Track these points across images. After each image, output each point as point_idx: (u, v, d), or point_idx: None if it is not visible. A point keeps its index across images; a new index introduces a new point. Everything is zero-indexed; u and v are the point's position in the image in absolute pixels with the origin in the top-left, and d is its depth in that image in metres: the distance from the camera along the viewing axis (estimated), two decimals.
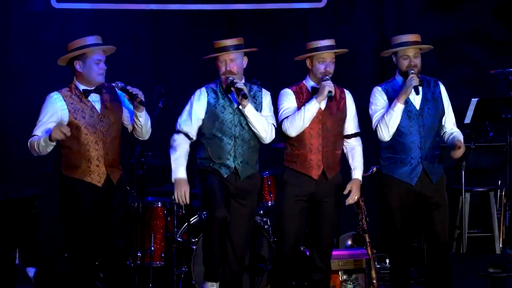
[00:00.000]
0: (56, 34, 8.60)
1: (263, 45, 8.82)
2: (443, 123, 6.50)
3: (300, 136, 6.32)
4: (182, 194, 6.25)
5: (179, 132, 6.33)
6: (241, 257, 6.41)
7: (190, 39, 8.74)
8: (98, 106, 6.10)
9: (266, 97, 6.44)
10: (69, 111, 6.01)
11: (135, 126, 6.21)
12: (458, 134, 6.48)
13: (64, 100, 6.02)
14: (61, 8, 8.68)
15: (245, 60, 6.36)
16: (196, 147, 6.44)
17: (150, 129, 6.28)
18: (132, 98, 6.05)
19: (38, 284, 7.37)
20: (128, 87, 6.07)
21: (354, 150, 6.46)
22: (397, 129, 6.37)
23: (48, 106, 6.02)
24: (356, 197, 6.43)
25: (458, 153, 6.33)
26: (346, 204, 6.49)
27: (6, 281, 6.49)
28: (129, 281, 7.01)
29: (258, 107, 6.36)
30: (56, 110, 6.00)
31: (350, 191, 6.41)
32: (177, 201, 6.31)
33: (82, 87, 6.08)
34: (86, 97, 6.06)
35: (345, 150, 6.48)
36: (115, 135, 6.16)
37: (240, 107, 6.23)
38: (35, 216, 6.46)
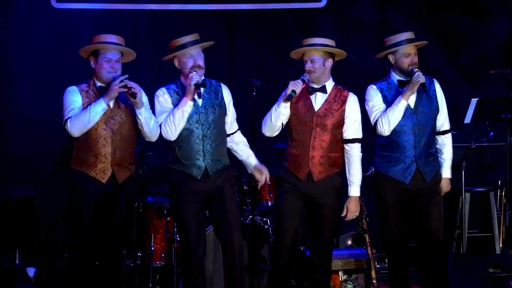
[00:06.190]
0: (56, 34, 8.60)
1: (263, 45, 8.83)
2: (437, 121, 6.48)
3: (295, 135, 6.30)
4: None
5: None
6: (240, 248, 6.30)
7: None
8: (111, 103, 6.14)
9: (228, 94, 6.38)
10: (83, 105, 6.09)
11: (138, 125, 6.19)
12: (447, 158, 6.47)
13: (80, 94, 6.13)
14: (61, 8, 8.68)
15: None
16: (164, 150, 6.37)
17: (157, 131, 6.21)
18: (125, 87, 6.02)
19: (38, 284, 7.37)
20: (126, 80, 6.03)
21: (352, 160, 6.35)
22: None
23: (68, 95, 6.12)
24: (355, 214, 6.42)
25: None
26: (345, 220, 6.48)
27: (6, 281, 6.49)
28: (123, 281, 7.02)
29: (221, 103, 6.28)
30: (77, 96, 6.09)
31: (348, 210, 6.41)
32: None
33: (98, 84, 6.17)
34: (101, 94, 6.10)
35: (345, 156, 6.39)
36: (126, 134, 6.19)
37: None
38: (35, 216, 6.45)
